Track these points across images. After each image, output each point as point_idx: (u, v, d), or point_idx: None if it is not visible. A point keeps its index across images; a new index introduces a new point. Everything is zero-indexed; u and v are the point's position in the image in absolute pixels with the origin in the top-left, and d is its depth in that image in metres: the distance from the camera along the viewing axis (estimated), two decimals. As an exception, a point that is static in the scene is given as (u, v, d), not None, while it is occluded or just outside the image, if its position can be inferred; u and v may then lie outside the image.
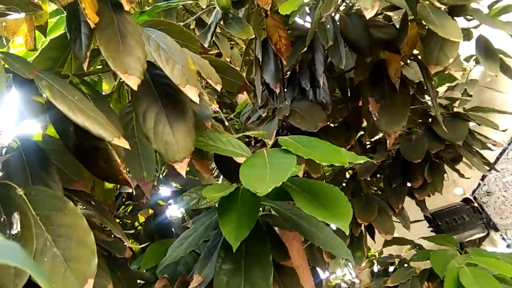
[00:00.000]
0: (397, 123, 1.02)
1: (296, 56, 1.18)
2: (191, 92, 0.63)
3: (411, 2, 0.91)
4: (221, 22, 1.11)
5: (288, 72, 1.35)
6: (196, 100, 0.62)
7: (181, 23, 1.32)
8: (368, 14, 0.74)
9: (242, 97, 1.88)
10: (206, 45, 1.20)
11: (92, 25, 0.54)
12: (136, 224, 1.54)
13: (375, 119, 1.05)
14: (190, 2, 1.24)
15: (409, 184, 1.44)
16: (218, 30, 1.27)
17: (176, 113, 0.68)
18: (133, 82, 0.57)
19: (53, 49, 0.65)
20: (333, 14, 1.02)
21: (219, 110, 1.08)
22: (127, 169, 0.80)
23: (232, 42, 1.84)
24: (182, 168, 0.65)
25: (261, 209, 0.82)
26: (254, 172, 0.64)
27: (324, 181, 1.54)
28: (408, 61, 1.14)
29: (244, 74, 1.20)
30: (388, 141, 1.02)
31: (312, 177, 1.22)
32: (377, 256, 1.99)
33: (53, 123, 0.56)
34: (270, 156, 0.70)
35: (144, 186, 0.78)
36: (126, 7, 0.54)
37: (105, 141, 0.53)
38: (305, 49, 1.12)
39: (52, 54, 0.64)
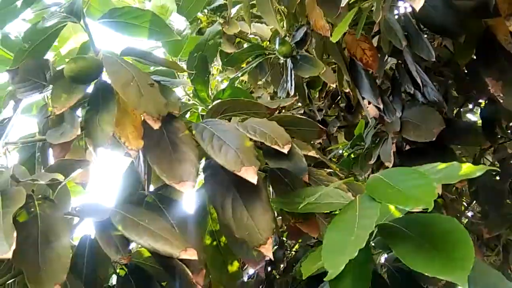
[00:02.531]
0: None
1: (384, 65, 1.05)
2: (248, 174, 0.61)
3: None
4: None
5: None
6: (254, 181, 0.60)
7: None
8: (417, 6, 0.61)
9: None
10: (291, 93, 1.17)
11: (134, 153, 0.58)
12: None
13: (501, 101, 0.84)
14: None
15: None
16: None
17: (250, 194, 0.67)
18: (187, 188, 0.59)
19: (128, 170, 0.72)
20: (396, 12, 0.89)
21: (316, 155, 1.02)
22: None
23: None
24: (268, 250, 0.62)
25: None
26: (339, 236, 0.57)
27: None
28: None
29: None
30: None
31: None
32: None
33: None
34: (360, 208, 0.61)
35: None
36: (155, 126, 0.57)
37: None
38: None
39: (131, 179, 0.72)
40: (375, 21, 0.73)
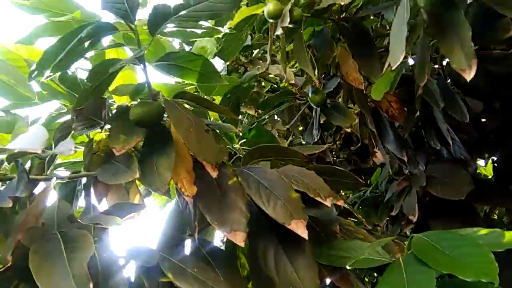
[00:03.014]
0: None
1: (412, 120, 1.07)
2: (298, 228, 0.61)
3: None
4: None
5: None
6: (305, 236, 0.60)
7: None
8: (469, 75, 0.64)
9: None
10: (315, 139, 1.19)
11: (189, 199, 0.58)
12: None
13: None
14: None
15: None
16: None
17: (294, 247, 0.66)
18: (240, 239, 0.58)
19: (172, 212, 0.71)
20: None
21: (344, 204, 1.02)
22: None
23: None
24: (312, 307, 0.61)
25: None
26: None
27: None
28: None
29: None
30: None
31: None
32: None
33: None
34: (408, 272, 0.60)
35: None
36: (214, 174, 0.57)
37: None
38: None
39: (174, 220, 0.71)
40: (417, 84, 0.75)
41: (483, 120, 1.02)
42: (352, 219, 1.13)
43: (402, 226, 1.15)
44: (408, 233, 1.18)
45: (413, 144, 1.22)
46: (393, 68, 0.68)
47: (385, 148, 1.22)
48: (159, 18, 0.62)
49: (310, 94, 1.07)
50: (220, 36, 0.99)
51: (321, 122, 1.16)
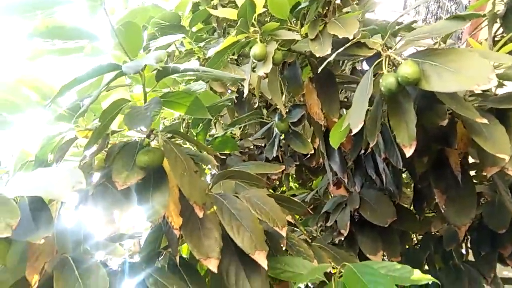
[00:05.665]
0: (466, 215, 1.04)
1: (357, 151, 1.26)
2: (260, 258, 0.76)
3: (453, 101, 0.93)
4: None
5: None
6: (265, 265, 0.76)
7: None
8: (408, 152, 0.81)
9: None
10: (274, 155, 1.35)
11: (178, 231, 0.71)
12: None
13: (442, 211, 1.08)
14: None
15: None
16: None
17: (252, 266, 0.82)
18: (213, 265, 0.72)
19: (152, 233, 0.84)
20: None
21: (295, 227, 1.20)
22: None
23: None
24: (264, 320, 0.78)
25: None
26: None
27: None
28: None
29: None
30: (459, 234, 1.04)
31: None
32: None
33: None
34: (337, 294, 0.79)
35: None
36: (200, 214, 0.70)
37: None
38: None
39: (153, 236, 0.83)
40: (368, 141, 0.92)
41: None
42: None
43: (334, 236, 1.36)
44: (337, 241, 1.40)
45: (353, 166, 1.42)
46: (352, 134, 0.84)
47: (330, 166, 1.41)
48: (166, 73, 0.71)
49: (276, 121, 1.20)
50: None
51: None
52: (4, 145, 0.75)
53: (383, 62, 0.86)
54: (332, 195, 1.64)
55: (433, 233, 1.54)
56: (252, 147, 1.98)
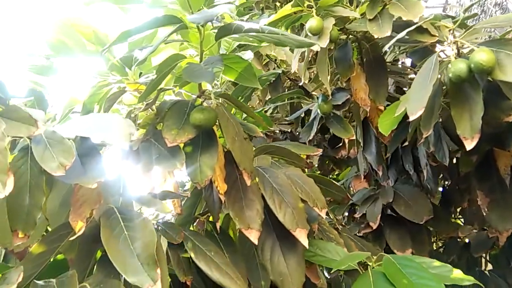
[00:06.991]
0: (510, 220, 1.00)
1: (397, 144, 1.21)
2: (301, 236, 0.73)
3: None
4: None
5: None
6: (306, 243, 0.73)
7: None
8: (469, 145, 0.77)
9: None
10: (311, 137, 1.31)
11: (222, 197, 0.68)
12: None
13: (484, 214, 1.03)
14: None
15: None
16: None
17: (289, 244, 0.79)
18: (254, 236, 0.70)
19: (191, 197, 0.81)
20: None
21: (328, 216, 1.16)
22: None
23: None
24: (295, 300, 0.75)
25: None
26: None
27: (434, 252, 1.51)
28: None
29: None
30: (500, 239, 1.00)
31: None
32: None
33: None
34: (375, 285, 0.76)
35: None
36: (248, 182, 0.67)
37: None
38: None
39: (191, 201, 0.81)
40: (422, 132, 0.87)
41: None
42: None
43: (361, 228, 1.32)
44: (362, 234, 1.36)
45: (388, 160, 1.38)
46: (410, 120, 0.80)
47: (364, 156, 1.37)
48: (228, 31, 0.68)
49: (319, 102, 1.16)
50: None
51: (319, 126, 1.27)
52: (54, 89, 0.73)
53: (452, 48, 0.81)
54: (353, 189, 1.59)
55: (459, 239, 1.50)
56: (277, 131, 1.95)
